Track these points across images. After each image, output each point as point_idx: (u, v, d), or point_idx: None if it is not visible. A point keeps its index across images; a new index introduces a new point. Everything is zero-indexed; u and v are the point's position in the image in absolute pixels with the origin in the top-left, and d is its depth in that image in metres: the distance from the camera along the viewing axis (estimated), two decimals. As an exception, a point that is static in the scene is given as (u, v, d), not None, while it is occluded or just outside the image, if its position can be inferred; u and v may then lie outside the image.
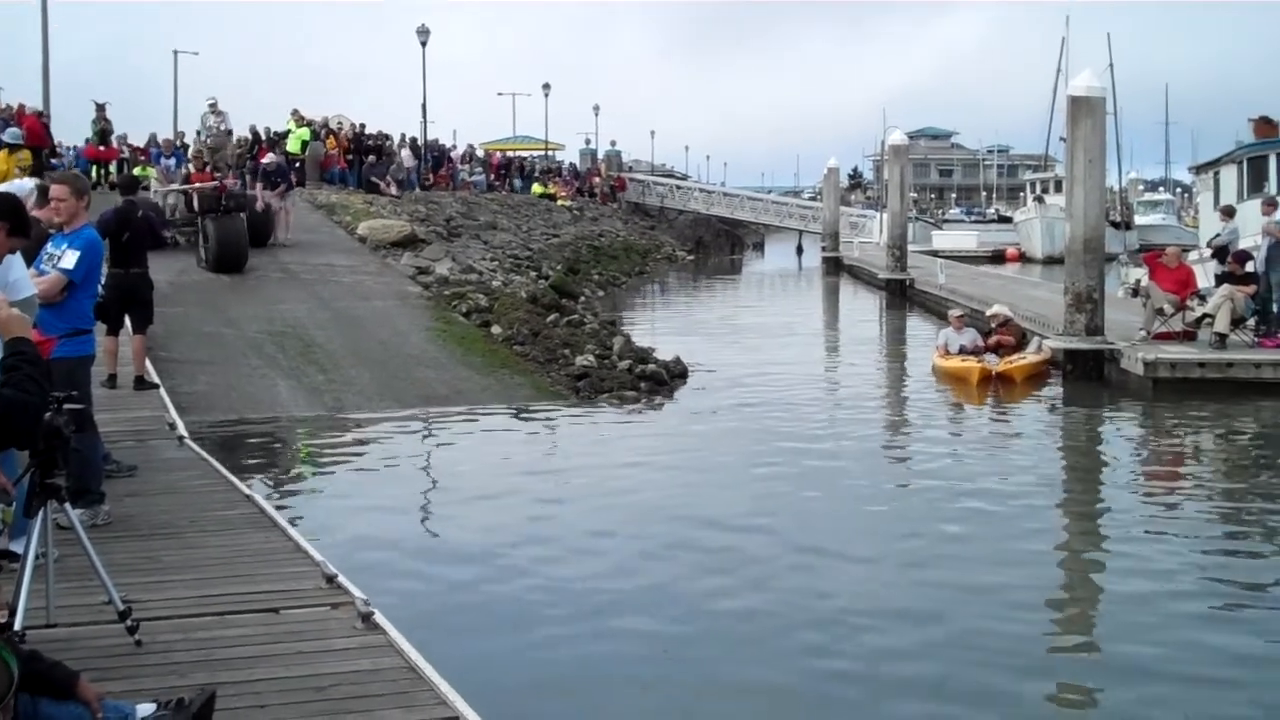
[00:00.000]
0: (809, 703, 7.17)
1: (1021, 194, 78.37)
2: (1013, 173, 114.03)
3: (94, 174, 33.57)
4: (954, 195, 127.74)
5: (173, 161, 31.99)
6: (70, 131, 42.20)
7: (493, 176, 55.60)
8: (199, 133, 36.20)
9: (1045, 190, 63.20)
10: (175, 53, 57.34)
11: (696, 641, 8.08)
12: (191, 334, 18.67)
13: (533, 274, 30.96)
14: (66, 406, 5.68)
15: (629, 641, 8.07)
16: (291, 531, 8.24)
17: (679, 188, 71.68)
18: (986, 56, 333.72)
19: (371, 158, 40.91)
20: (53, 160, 32.35)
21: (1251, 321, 18.59)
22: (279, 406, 15.74)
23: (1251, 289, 18.50)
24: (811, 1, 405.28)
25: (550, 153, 72.25)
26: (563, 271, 33.55)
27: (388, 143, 44.24)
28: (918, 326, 29.61)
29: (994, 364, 19.14)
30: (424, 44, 48.63)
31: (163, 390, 14.02)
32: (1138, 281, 25.28)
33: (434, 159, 49.79)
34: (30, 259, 8.28)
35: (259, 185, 28.43)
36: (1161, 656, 7.76)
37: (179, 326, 18.69)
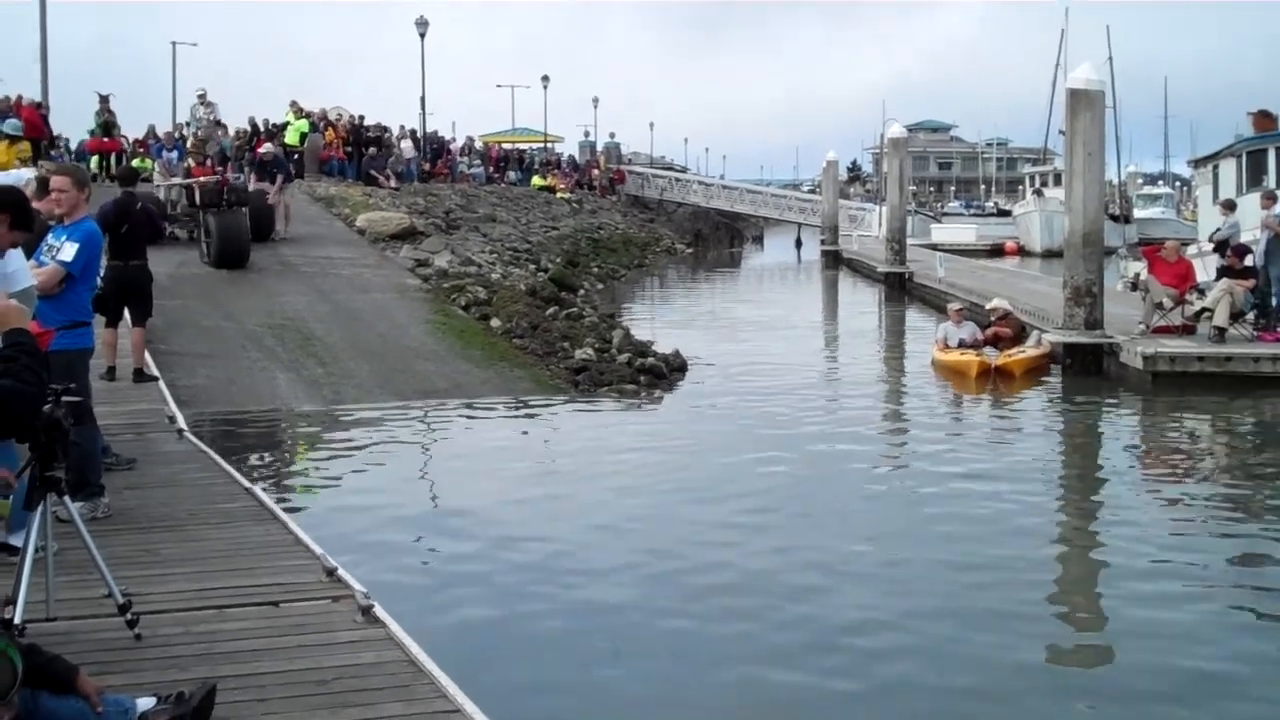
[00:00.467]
0: (811, 697, 7.16)
1: (1020, 187, 78.22)
2: (1012, 166, 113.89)
3: (97, 165, 33.45)
4: (953, 188, 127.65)
5: (174, 155, 31.92)
6: (70, 123, 42.07)
7: (492, 169, 55.55)
8: (188, 124, 36.09)
9: (1044, 183, 63.10)
10: (174, 44, 57.28)
11: (698, 634, 8.08)
12: (191, 327, 18.65)
13: (532, 267, 30.95)
14: (65, 399, 5.67)
15: (629, 634, 8.08)
16: (292, 524, 8.24)
17: (678, 180, 71.62)
18: (986, 49, 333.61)
19: (372, 150, 40.84)
20: (51, 152, 32.33)
21: (1251, 315, 18.61)
22: (278, 399, 15.73)
23: (1251, 283, 18.51)
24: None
25: (549, 145, 72.18)
26: (562, 264, 33.53)
27: (386, 134, 44.17)
28: (916, 320, 29.62)
29: (993, 357, 19.14)
30: (423, 35, 48.66)
31: (162, 383, 14.01)
32: (1137, 275, 25.27)
33: (433, 151, 49.74)
34: (30, 251, 8.28)
35: (254, 176, 28.37)
36: (1162, 648, 7.77)
37: (178, 319, 18.67)
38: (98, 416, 8.94)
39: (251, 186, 26.94)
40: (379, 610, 6.36)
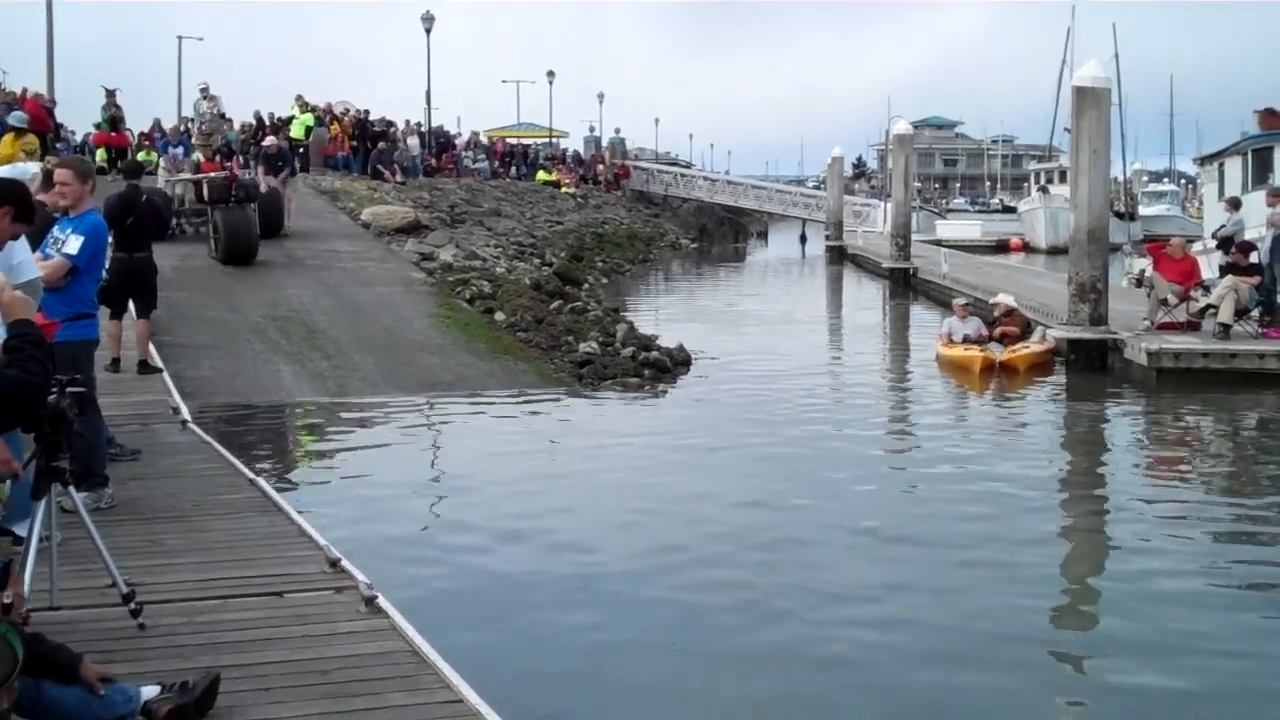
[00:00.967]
0: (813, 692, 7.17)
1: (1026, 184, 78.24)
2: (1017, 163, 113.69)
3: (104, 160, 33.43)
4: (958, 185, 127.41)
5: (179, 150, 31.90)
6: (76, 117, 42.14)
7: (497, 163, 55.54)
8: (191, 118, 36.08)
9: (1050, 180, 63.10)
10: (179, 38, 57.36)
11: (700, 626, 8.10)
12: (195, 318, 18.68)
13: (536, 261, 30.95)
14: (69, 390, 5.68)
15: (632, 626, 8.10)
16: (295, 515, 8.25)
17: (683, 176, 71.51)
18: (992, 47, 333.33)
19: (382, 144, 40.82)
20: (57, 145, 32.33)
21: (1255, 312, 18.59)
22: (282, 391, 15.75)
23: (1255, 280, 18.49)
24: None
25: (554, 140, 72.13)
26: (566, 259, 33.52)
27: (392, 129, 44.17)
28: (921, 315, 29.60)
29: (998, 353, 19.13)
30: (428, 30, 48.59)
31: (166, 374, 14.02)
32: (1142, 272, 25.29)
33: (438, 146, 49.73)
34: (36, 243, 8.30)
35: (260, 169, 28.37)
36: (1166, 645, 7.78)
37: (183, 311, 18.69)
38: (102, 407, 8.96)
39: (260, 180, 26.91)
40: (382, 601, 6.38)
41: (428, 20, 48.44)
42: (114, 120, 35.61)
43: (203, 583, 6.77)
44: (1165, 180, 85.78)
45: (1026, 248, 58.79)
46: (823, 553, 9.75)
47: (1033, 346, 19.62)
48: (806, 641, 7.79)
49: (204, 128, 33.94)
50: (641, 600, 8.57)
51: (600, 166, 65.71)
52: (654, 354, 18.57)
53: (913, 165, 43.72)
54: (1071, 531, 10.84)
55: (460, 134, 59.40)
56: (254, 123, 39.56)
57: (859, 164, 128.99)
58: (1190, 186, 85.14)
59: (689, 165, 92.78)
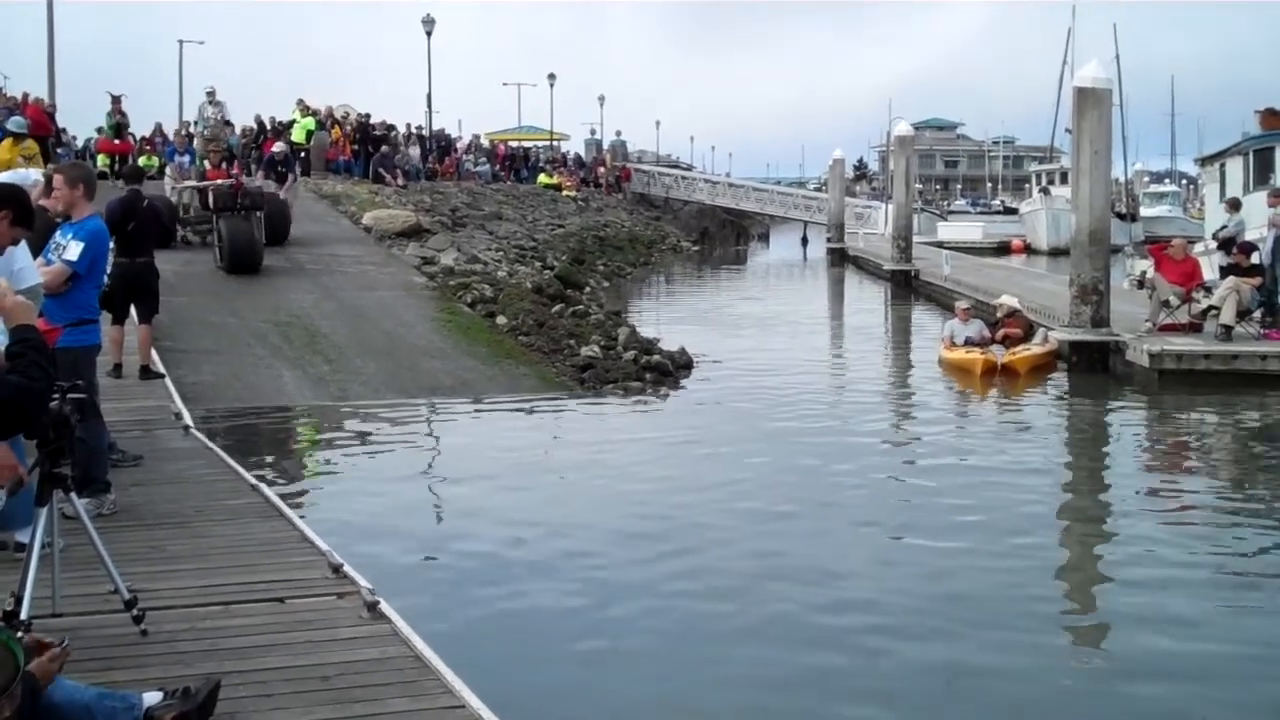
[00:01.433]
0: (817, 689, 7.17)
1: (1027, 185, 78.24)
2: (1018, 164, 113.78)
3: (104, 165, 33.41)
4: (959, 186, 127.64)
5: (185, 159, 31.86)
6: (76, 122, 42.13)
7: (498, 167, 55.55)
8: (195, 122, 36.07)
9: (1051, 182, 63.09)
10: (180, 42, 57.36)
11: (704, 631, 8.09)
12: (197, 324, 18.68)
13: (538, 264, 30.93)
14: (71, 396, 5.68)
15: (637, 631, 8.09)
16: (297, 521, 8.25)
17: (684, 178, 71.53)
18: (992, 48, 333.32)
19: (385, 148, 40.82)
20: (59, 149, 32.33)
21: (1257, 313, 18.57)
22: (284, 396, 15.76)
23: (1257, 281, 18.48)
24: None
25: (555, 143, 72.16)
26: (568, 262, 33.51)
27: (393, 133, 44.19)
28: (922, 317, 29.60)
29: (999, 355, 19.12)
30: (429, 34, 48.63)
31: (168, 380, 14.03)
32: (1143, 273, 25.23)
33: (439, 149, 49.75)
34: (39, 249, 8.31)
35: (262, 174, 28.32)
36: (1168, 649, 7.77)
37: (184, 316, 18.70)
38: (104, 413, 8.96)
39: (259, 183, 26.79)
40: (384, 606, 6.37)
41: (428, 23, 48.48)
42: (118, 127, 35.60)
43: (205, 589, 6.76)
44: (1166, 181, 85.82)
45: (1028, 249, 58.80)
46: (825, 556, 9.74)
47: (1034, 348, 19.60)
48: (809, 645, 7.78)
49: (206, 133, 33.90)
50: (645, 605, 8.55)
51: (601, 169, 65.69)
52: (656, 357, 18.57)
53: (914, 167, 43.72)
54: (1073, 531, 10.83)
55: (461, 137, 59.40)
56: (255, 127, 39.57)
57: (860, 166, 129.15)
58: (1191, 187, 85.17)
59: (690, 168, 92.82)
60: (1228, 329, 17.90)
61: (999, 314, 20.99)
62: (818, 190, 75.61)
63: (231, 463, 10.16)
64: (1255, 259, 18.90)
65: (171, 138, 38.38)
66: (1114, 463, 13.76)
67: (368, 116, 43.46)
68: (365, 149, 40.87)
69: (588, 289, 29.68)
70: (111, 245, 10.89)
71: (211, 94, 35.35)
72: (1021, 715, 6.90)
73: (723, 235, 65.21)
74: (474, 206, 38.80)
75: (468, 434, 14.69)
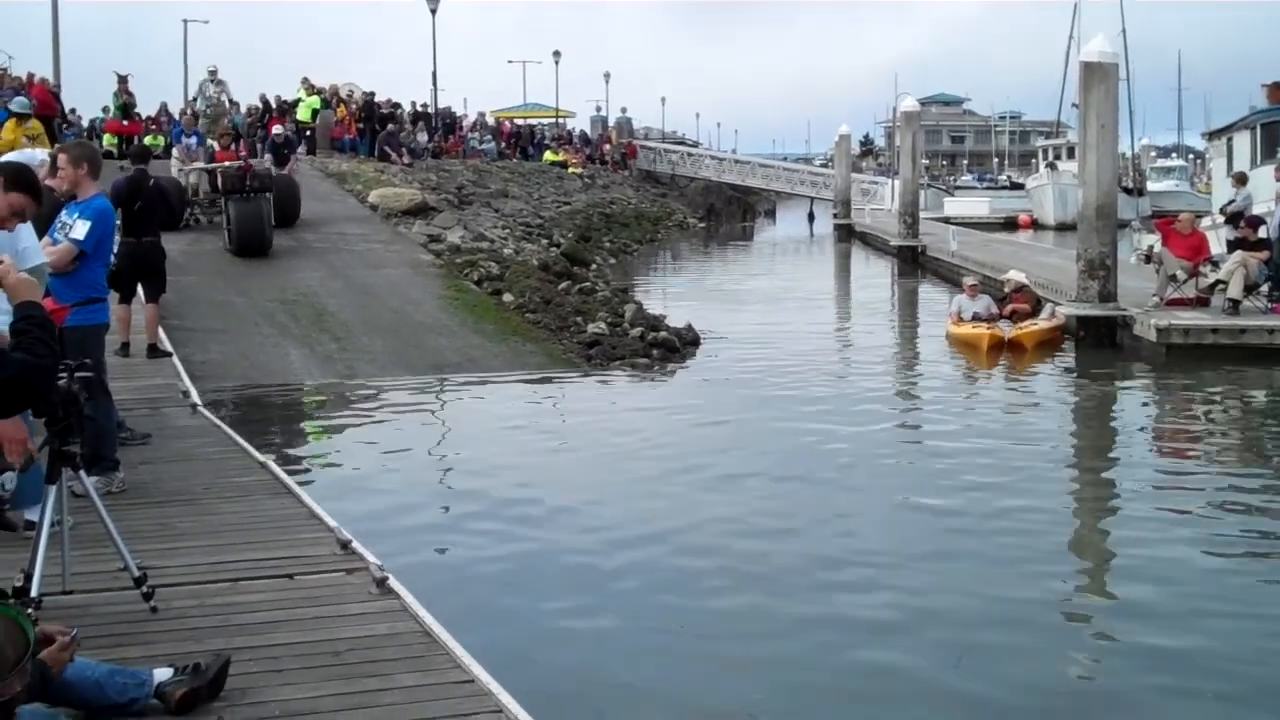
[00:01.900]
0: (824, 677, 7.18)
1: (1034, 160, 78.04)
2: (1025, 139, 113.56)
3: (111, 144, 33.33)
4: (966, 162, 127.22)
5: (193, 140, 31.81)
6: (82, 102, 42.08)
7: (503, 144, 55.48)
8: (195, 99, 35.95)
9: (1058, 156, 62.87)
10: (185, 21, 57.31)
11: (712, 610, 8.08)
12: (204, 302, 18.71)
13: (544, 242, 30.92)
14: (79, 374, 5.69)
15: (644, 608, 8.10)
16: (306, 498, 8.27)
17: (690, 155, 71.47)
18: (999, 22, 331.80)
19: (392, 126, 40.72)
20: (65, 129, 32.29)
21: (1265, 287, 18.52)
22: (291, 374, 15.79)
23: (1264, 255, 18.42)
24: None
25: (561, 120, 72.07)
26: (574, 239, 33.50)
27: (399, 111, 44.09)
28: (929, 293, 29.56)
29: (1006, 330, 19.09)
30: (434, 11, 48.51)
31: (176, 358, 14.07)
32: (1150, 248, 25.20)
33: (445, 127, 49.67)
34: (45, 228, 8.32)
35: (268, 157, 28.24)
36: (1176, 624, 7.77)
37: (192, 295, 18.72)
38: (112, 392, 8.98)
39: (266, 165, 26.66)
40: (393, 582, 6.39)
41: (433, 1, 48.33)
42: (126, 107, 35.52)
43: (214, 566, 6.79)
44: (1173, 155, 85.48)
45: (1035, 224, 58.69)
46: (833, 532, 9.75)
47: (1041, 323, 19.57)
48: (820, 625, 7.79)
49: (209, 112, 33.84)
50: (654, 581, 8.56)
51: (607, 146, 65.65)
52: (662, 334, 18.56)
53: (920, 142, 43.63)
54: (1081, 504, 10.84)
55: (466, 115, 59.33)
56: (260, 105, 39.52)
57: (866, 141, 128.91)
58: (1199, 162, 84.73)
59: (696, 144, 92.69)
60: (1235, 303, 17.86)
61: (1006, 289, 20.95)
62: (824, 166, 75.42)
63: (240, 440, 10.17)
64: (1263, 233, 18.84)
65: (178, 118, 38.29)
66: (1121, 437, 13.76)
67: (373, 95, 43.36)
68: (371, 127, 40.79)
69: (594, 266, 29.67)
70: (118, 224, 10.89)
71: (214, 73, 35.27)
72: (1031, 693, 6.89)
73: (729, 212, 65.08)
74: (480, 184, 38.73)
75: (475, 411, 14.71)
